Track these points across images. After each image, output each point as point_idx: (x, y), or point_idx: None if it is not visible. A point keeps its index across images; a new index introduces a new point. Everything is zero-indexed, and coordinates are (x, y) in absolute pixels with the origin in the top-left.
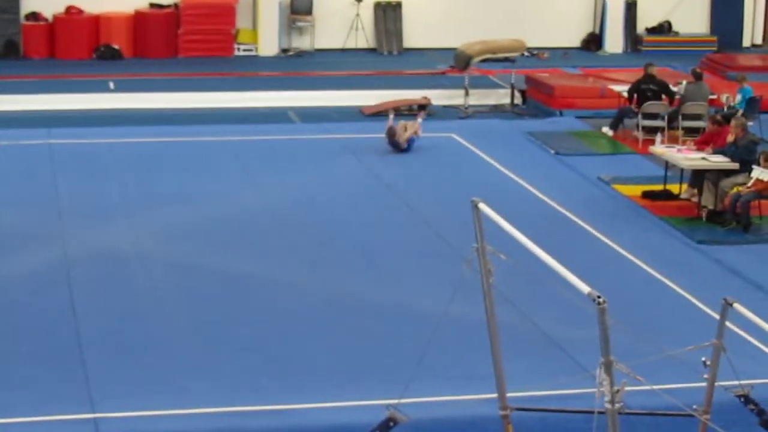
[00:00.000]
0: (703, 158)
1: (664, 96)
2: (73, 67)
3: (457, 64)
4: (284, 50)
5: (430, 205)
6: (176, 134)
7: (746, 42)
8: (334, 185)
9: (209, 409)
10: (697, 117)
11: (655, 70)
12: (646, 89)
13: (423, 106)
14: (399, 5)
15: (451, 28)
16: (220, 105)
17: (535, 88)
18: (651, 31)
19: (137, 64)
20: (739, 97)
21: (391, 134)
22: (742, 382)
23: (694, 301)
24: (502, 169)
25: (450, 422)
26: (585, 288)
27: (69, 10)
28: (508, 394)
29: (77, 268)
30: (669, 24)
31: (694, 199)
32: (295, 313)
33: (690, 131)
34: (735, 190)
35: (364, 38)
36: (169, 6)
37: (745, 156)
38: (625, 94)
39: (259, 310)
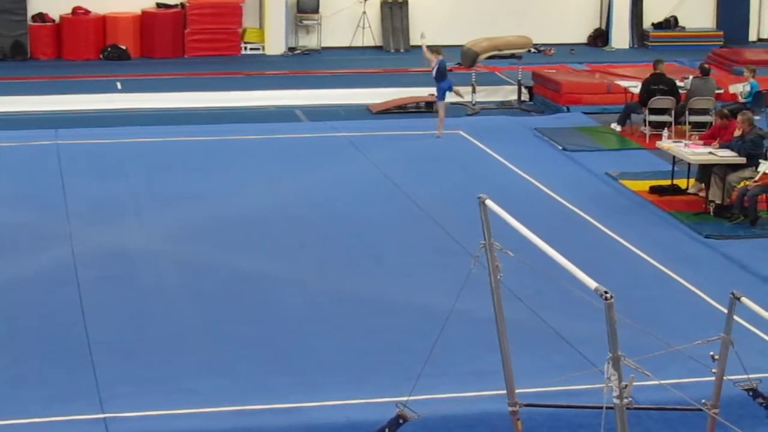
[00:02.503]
0: (710, 153)
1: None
2: (80, 68)
3: (464, 61)
4: (291, 49)
5: (437, 202)
6: (184, 134)
7: (752, 36)
8: (342, 183)
9: (219, 408)
10: (703, 112)
11: (663, 68)
12: (656, 89)
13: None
14: (405, 3)
15: (457, 25)
16: (227, 104)
17: (542, 84)
18: (657, 26)
19: (144, 64)
20: (746, 90)
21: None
22: (751, 376)
23: (702, 295)
24: (510, 165)
25: (459, 419)
26: (592, 283)
27: (75, 10)
28: (517, 390)
29: (86, 267)
30: (675, 19)
31: (702, 194)
32: (304, 310)
33: (697, 126)
34: (742, 184)
35: (370, 36)
36: (175, 6)
37: (752, 150)
38: (632, 90)
39: (267, 308)
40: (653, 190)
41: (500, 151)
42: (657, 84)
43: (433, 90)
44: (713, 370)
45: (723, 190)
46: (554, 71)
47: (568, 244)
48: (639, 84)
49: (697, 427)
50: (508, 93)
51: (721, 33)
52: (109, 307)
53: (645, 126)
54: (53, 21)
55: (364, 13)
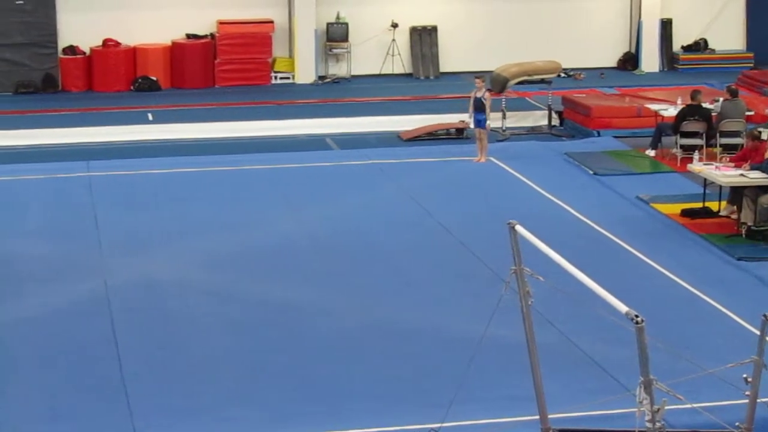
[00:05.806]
0: (741, 175)
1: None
2: (111, 100)
3: (494, 87)
4: (321, 77)
5: (468, 228)
6: (214, 163)
7: None
8: (373, 210)
9: None
10: (734, 134)
11: (701, 98)
12: (692, 120)
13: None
14: (434, 30)
15: (486, 51)
16: (257, 133)
17: (572, 108)
18: (687, 49)
19: (175, 94)
20: None
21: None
22: None
23: (735, 317)
24: (541, 190)
25: None
26: (623, 308)
27: (106, 42)
28: (550, 416)
29: (118, 297)
30: (705, 41)
31: (734, 216)
32: (335, 338)
33: (727, 148)
34: None
35: (400, 63)
36: (205, 36)
37: None
38: (662, 113)
39: (299, 336)
40: (685, 213)
41: (531, 176)
42: (693, 115)
43: (463, 116)
44: (746, 393)
45: (755, 212)
46: (584, 96)
47: (599, 269)
48: (669, 107)
49: None
50: (538, 118)
51: (751, 55)
52: (141, 337)
53: (676, 148)
54: (84, 53)
55: (394, 40)
